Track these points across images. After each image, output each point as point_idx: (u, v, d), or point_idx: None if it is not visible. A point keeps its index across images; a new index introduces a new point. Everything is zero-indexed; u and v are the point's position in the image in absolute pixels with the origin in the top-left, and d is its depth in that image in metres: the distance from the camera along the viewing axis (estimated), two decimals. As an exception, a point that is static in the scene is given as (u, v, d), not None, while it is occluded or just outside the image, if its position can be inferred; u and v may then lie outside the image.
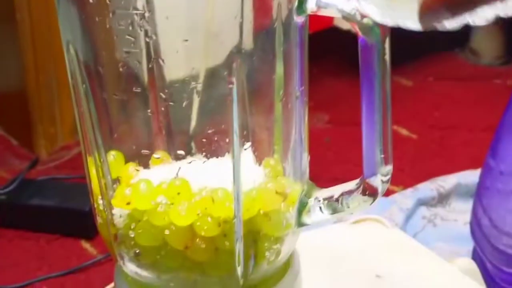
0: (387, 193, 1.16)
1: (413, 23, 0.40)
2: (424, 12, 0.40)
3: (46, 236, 1.14)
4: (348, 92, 1.48)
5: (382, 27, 0.43)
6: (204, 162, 0.47)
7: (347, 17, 0.43)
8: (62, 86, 1.33)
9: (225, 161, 0.46)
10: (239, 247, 0.46)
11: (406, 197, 1.05)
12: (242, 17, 0.44)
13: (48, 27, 1.29)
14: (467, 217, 0.92)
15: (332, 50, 1.57)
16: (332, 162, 1.30)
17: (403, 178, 1.20)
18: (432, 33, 1.52)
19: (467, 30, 1.66)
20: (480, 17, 0.40)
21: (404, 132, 1.38)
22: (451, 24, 0.40)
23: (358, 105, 0.47)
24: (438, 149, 1.33)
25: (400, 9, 0.40)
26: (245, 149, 0.46)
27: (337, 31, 1.43)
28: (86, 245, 1.12)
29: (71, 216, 1.13)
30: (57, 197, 1.14)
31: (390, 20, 0.41)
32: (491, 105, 1.45)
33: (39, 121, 1.33)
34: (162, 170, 0.47)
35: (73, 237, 1.13)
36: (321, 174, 1.21)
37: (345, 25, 1.43)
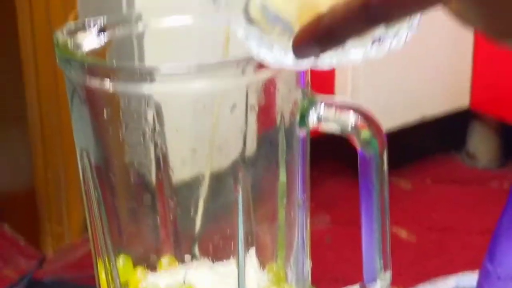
0: (387, 294, 1.16)
1: (289, 60, 0.40)
2: (296, 45, 0.39)
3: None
4: (349, 193, 1.49)
5: (380, 140, 0.45)
6: (210, 266, 0.48)
7: (346, 131, 0.45)
8: (70, 185, 1.35)
9: (230, 265, 0.47)
10: None
11: (405, 300, 1.05)
12: (246, 129, 0.46)
13: (58, 128, 1.31)
14: (466, 319, 0.91)
15: (331, 152, 1.59)
16: (334, 262, 1.30)
17: (403, 280, 1.20)
18: (430, 136, 1.54)
19: (464, 133, 1.68)
20: (351, 58, 0.40)
21: (403, 233, 1.38)
22: (323, 62, 0.40)
23: (358, 205, 0.48)
24: (437, 251, 1.34)
25: (277, 46, 0.40)
26: (249, 255, 0.47)
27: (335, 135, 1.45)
28: None
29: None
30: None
31: (270, 58, 0.41)
32: (488, 208, 1.46)
33: (46, 219, 1.34)
34: (169, 274, 0.48)
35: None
36: (323, 275, 1.22)
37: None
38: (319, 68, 0.41)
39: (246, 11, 0.40)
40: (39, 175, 1.33)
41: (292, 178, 0.48)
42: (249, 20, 0.40)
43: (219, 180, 0.46)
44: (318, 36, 0.38)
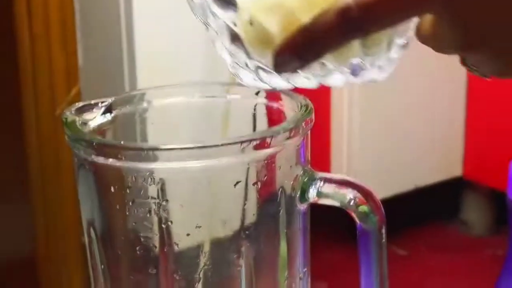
0: None
1: (280, 81, 0.40)
2: (277, 57, 0.39)
3: None
4: (346, 261, 1.49)
5: (379, 215, 0.46)
6: None
7: (345, 206, 0.46)
8: (71, 261, 1.34)
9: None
10: None
11: None
12: (248, 203, 0.46)
13: (60, 204, 1.31)
14: None
15: (328, 220, 1.60)
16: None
17: None
18: (424, 204, 1.55)
19: (457, 201, 1.69)
20: (331, 82, 0.40)
21: (399, 302, 1.38)
22: (303, 81, 0.40)
23: (356, 273, 0.49)
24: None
25: (261, 70, 0.40)
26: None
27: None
28: None
29: None
30: None
31: (260, 82, 0.41)
32: (482, 275, 1.45)
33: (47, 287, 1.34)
34: None
35: None
36: None
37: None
38: (299, 86, 0.41)
39: (228, 28, 0.40)
40: (40, 249, 1.33)
41: (293, 251, 0.49)
42: (233, 37, 0.40)
43: (222, 252, 0.47)
44: (298, 47, 0.38)
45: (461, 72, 1.55)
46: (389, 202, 1.58)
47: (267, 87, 0.42)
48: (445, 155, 1.59)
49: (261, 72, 0.41)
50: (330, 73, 0.40)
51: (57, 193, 1.31)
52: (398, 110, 1.51)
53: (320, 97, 1.44)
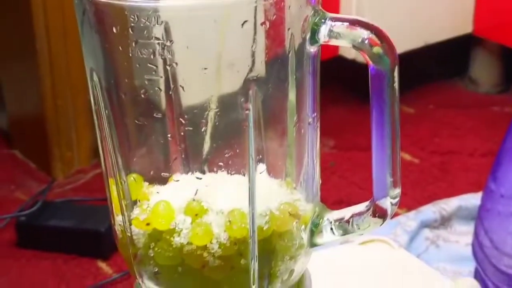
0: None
1: None
2: None
3: (63, 256, 1.14)
4: (352, 119, 1.48)
5: (391, 56, 0.44)
6: (221, 184, 0.47)
7: (358, 47, 0.44)
8: (79, 112, 1.34)
9: (241, 182, 0.46)
10: (254, 266, 0.46)
11: (409, 219, 1.05)
12: (256, 46, 0.44)
13: (66, 57, 1.30)
14: (469, 238, 0.92)
15: (336, 78, 1.58)
16: (337, 185, 1.30)
17: (406, 201, 1.20)
18: (432, 62, 1.53)
19: (466, 59, 1.66)
20: None
21: (406, 157, 1.38)
22: None
23: (362, 131, 0.47)
24: (440, 174, 1.33)
25: None
26: (260, 173, 0.46)
27: (341, 60, 1.44)
28: (101, 264, 1.12)
29: (87, 236, 1.13)
30: (74, 219, 1.14)
31: None
32: (490, 131, 1.45)
33: (56, 145, 1.34)
34: (181, 192, 0.47)
35: (89, 257, 1.13)
36: (327, 197, 1.21)
37: (349, 55, 1.43)
38: None
39: None
40: (48, 102, 1.32)
41: (302, 96, 0.47)
42: None
43: (229, 97, 0.45)
44: None
45: None
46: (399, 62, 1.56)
47: None
48: (455, 12, 1.56)
49: None
50: None
51: (63, 47, 1.29)
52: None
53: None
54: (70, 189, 1.30)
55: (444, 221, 1.06)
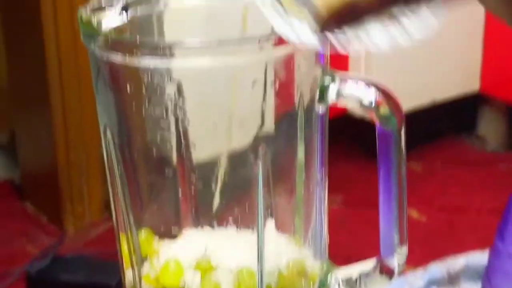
0: (399, 272, 1.15)
1: (309, 38, 0.38)
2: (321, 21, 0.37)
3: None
4: (361, 175, 1.48)
5: (398, 117, 0.44)
6: (230, 240, 0.47)
7: (366, 107, 0.44)
8: (91, 166, 1.34)
9: (250, 239, 0.46)
10: (262, 323, 0.46)
11: (417, 278, 1.04)
12: (266, 104, 0.45)
13: (80, 110, 1.31)
14: (476, 297, 0.91)
15: (345, 134, 1.59)
16: (346, 241, 1.30)
17: (414, 258, 1.19)
18: (440, 119, 1.53)
19: (473, 116, 1.67)
20: (375, 42, 0.38)
21: (414, 214, 1.38)
22: (345, 42, 0.38)
23: (370, 187, 0.47)
24: (447, 231, 1.33)
25: (297, 23, 0.38)
26: (268, 227, 0.47)
27: (350, 116, 1.44)
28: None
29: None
30: (85, 273, 1.14)
31: (290, 34, 0.39)
32: (497, 189, 1.45)
33: (68, 199, 1.34)
34: (190, 248, 0.47)
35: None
36: (336, 253, 1.21)
37: (358, 113, 1.44)
38: (340, 48, 0.39)
39: None
40: (61, 156, 1.33)
41: (310, 154, 0.48)
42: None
43: (239, 155, 0.46)
44: (341, 11, 0.37)
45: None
46: (404, 117, 1.57)
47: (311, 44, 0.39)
48: (463, 70, 1.57)
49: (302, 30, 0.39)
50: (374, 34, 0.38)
51: (77, 101, 1.30)
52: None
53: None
54: (82, 244, 1.30)
55: (451, 280, 1.06)
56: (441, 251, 1.22)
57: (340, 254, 1.30)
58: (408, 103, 1.46)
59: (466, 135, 1.68)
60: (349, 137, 1.60)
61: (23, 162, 1.44)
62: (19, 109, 1.41)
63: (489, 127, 1.66)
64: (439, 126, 1.71)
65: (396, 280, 1.06)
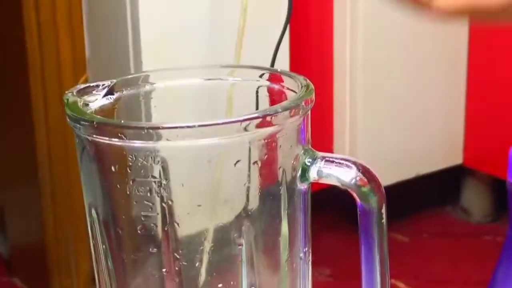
0: None
1: None
2: None
3: None
4: (348, 247, 1.48)
5: (379, 194, 0.45)
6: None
7: (346, 186, 0.45)
8: (79, 240, 1.34)
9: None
10: None
11: None
12: (249, 183, 0.45)
13: (68, 185, 1.31)
14: None
15: (331, 206, 1.59)
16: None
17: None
18: (425, 191, 1.54)
19: (457, 188, 1.68)
20: None
21: (401, 286, 1.37)
22: None
23: (358, 259, 0.48)
24: (434, 303, 1.32)
25: None
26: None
27: (336, 188, 1.44)
28: None
29: None
30: None
31: None
32: (482, 260, 1.45)
33: (56, 273, 1.33)
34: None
35: None
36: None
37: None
38: None
39: None
40: (49, 231, 1.32)
41: (294, 231, 0.48)
42: None
43: (223, 232, 0.46)
44: None
45: (462, 61, 1.54)
46: (390, 189, 1.57)
47: None
48: (446, 144, 1.58)
49: None
50: None
51: (65, 178, 1.30)
52: (399, 102, 1.50)
53: (323, 81, 1.42)
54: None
55: None
56: (429, 324, 1.22)
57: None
58: (392, 178, 1.47)
59: (451, 207, 1.69)
60: (336, 208, 1.61)
61: (11, 237, 1.43)
62: (8, 184, 1.41)
63: (473, 199, 1.67)
64: (424, 198, 1.72)
65: None
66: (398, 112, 1.50)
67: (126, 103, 0.51)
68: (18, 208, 1.40)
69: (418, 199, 1.70)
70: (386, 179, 1.42)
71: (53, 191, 1.31)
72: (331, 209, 1.61)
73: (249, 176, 0.45)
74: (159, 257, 0.47)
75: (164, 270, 0.47)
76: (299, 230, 0.48)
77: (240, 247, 0.45)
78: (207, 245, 0.46)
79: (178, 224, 0.45)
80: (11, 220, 1.42)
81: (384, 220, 0.46)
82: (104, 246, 0.47)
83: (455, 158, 1.60)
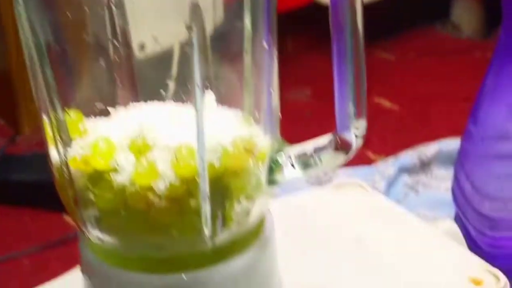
0: (370, 162, 1.12)
1: None
2: None
3: (27, 211, 1.09)
4: (329, 67, 1.43)
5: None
6: (168, 116, 0.42)
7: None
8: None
9: (189, 114, 0.41)
10: (205, 207, 0.41)
11: (388, 165, 1.01)
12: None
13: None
14: (449, 183, 0.87)
15: (311, 25, 1.53)
16: (315, 134, 1.26)
17: (386, 149, 1.16)
18: (413, 7, 1.47)
19: (447, 3, 1.62)
20: None
21: (386, 104, 1.33)
22: None
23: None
24: (420, 120, 1.29)
25: None
26: (210, 103, 0.42)
27: (317, 6, 1.39)
28: (68, 218, 1.08)
29: (52, 190, 1.08)
30: (38, 172, 1.10)
31: None
32: (471, 77, 1.40)
33: (22, 99, 1.31)
34: (123, 127, 0.42)
35: (55, 211, 1.08)
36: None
37: (325, 0, 1.38)
38: None
39: None
40: (13, 57, 1.28)
41: (257, 21, 0.42)
42: None
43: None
44: None
45: None
46: (376, 6, 1.52)
47: None
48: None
49: None
50: None
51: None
52: None
53: None
54: (36, 143, 1.26)
55: (423, 166, 1.02)
56: (414, 140, 1.19)
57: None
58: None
59: (440, 23, 1.63)
60: (316, 27, 1.55)
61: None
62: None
63: (463, 14, 1.61)
64: (412, 14, 1.66)
65: (366, 168, 1.03)
66: None
67: None
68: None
69: (406, 16, 1.64)
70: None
71: (13, 19, 1.25)
72: (313, 29, 1.55)
73: None
74: (107, 52, 0.41)
75: (113, 66, 0.42)
76: (263, 19, 0.43)
77: (191, 34, 0.39)
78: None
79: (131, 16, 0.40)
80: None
81: (359, 17, 0.40)
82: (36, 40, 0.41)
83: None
